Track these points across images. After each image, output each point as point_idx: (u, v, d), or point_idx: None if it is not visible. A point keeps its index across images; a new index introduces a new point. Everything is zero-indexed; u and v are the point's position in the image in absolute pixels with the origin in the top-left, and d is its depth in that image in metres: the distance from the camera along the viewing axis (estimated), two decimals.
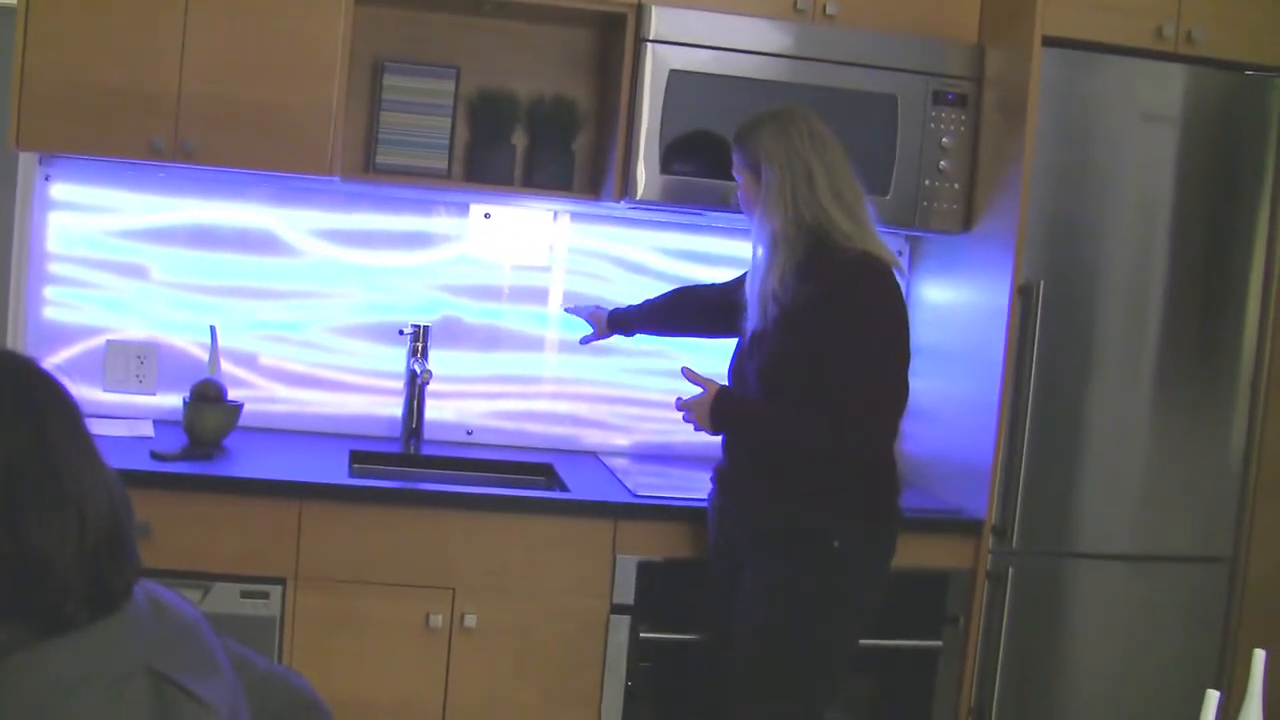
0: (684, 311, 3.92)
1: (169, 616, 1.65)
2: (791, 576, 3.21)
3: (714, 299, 3.77)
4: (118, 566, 1.56)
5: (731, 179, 3.56)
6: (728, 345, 3.53)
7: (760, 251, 3.30)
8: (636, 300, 4.01)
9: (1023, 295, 3.69)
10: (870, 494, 3.28)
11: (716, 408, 3.27)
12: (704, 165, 3.81)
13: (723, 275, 3.89)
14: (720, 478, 3.45)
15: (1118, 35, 3.74)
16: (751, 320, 3.31)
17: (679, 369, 3.41)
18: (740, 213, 3.41)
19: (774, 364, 3.23)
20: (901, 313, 3.21)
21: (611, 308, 4.03)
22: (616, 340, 4.16)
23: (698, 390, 3.31)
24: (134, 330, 4.10)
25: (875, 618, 3.33)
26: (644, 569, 3.61)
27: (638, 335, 4.04)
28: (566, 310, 4.15)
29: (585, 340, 4.07)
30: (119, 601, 1.56)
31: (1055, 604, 3.83)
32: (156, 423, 4.03)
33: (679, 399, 3.34)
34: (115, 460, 3.37)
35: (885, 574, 3.30)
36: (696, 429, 3.33)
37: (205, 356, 4.01)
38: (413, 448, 4.10)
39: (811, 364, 3.15)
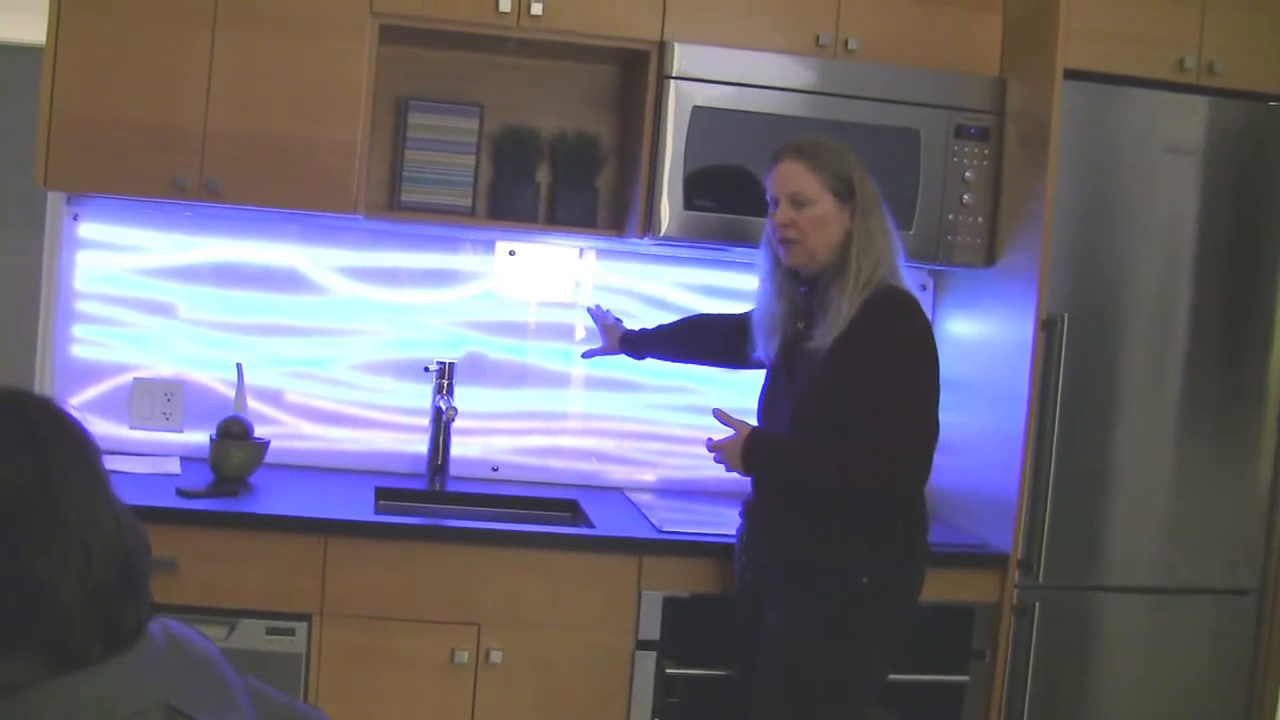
0: (699, 339, 3.93)
1: (187, 652, 1.65)
2: (819, 612, 3.19)
3: (730, 329, 3.78)
4: (128, 602, 1.56)
5: (757, 214, 3.56)
6: (756, 381, 3.52)
7: (804, 275, 3.30)
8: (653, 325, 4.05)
9: (1047, 329, 3.68)
10: (900, 530, 3.26)
11: (749, 449, 3.23)
12: (727, 201, 3.81)
13: (746, 310, 3.88)
14: (749, 513, 3.43)
15: (1139, 67, 3.74)
16: (776, 349, 3.34)
17: (705, 405, 3.40)
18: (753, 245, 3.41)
19: (809, 404, 3.22)
20: (933, 347, 3.19)
21: (628, 327, 4.06)
22: (642, 377, 4.17)
23: (729, 431, 3.29)
24: (161, 368, 4.13)
25: (901, 652, 3.31)
26: (669, 604, 3.60)
27: (648, 359, 4.04)
28: (590, 311, 4.15)
29: (589, 354, 4.11)
30: (132, 637, 1.56)
31: (1082, 638, 3.81)
32: (183, 460, 4.05)
33: (710, 440, 3.33)
34: (140, 497, 3.45)
35: (913, 610, 3.29)
36: (728, 470, 3.31)
37: (232, 394, 4.05)
38: (438, 484, 4.10)
39: (845, 403, 3.13)
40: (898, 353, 3.14)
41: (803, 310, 3.33)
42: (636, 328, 4.06)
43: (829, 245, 3.22)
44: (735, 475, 3.31)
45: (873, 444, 3.10)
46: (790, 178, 3.25)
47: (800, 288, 3.34)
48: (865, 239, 3.20)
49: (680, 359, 4.05)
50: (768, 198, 3.33)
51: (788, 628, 3.23)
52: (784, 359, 3.35)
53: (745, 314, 3.69)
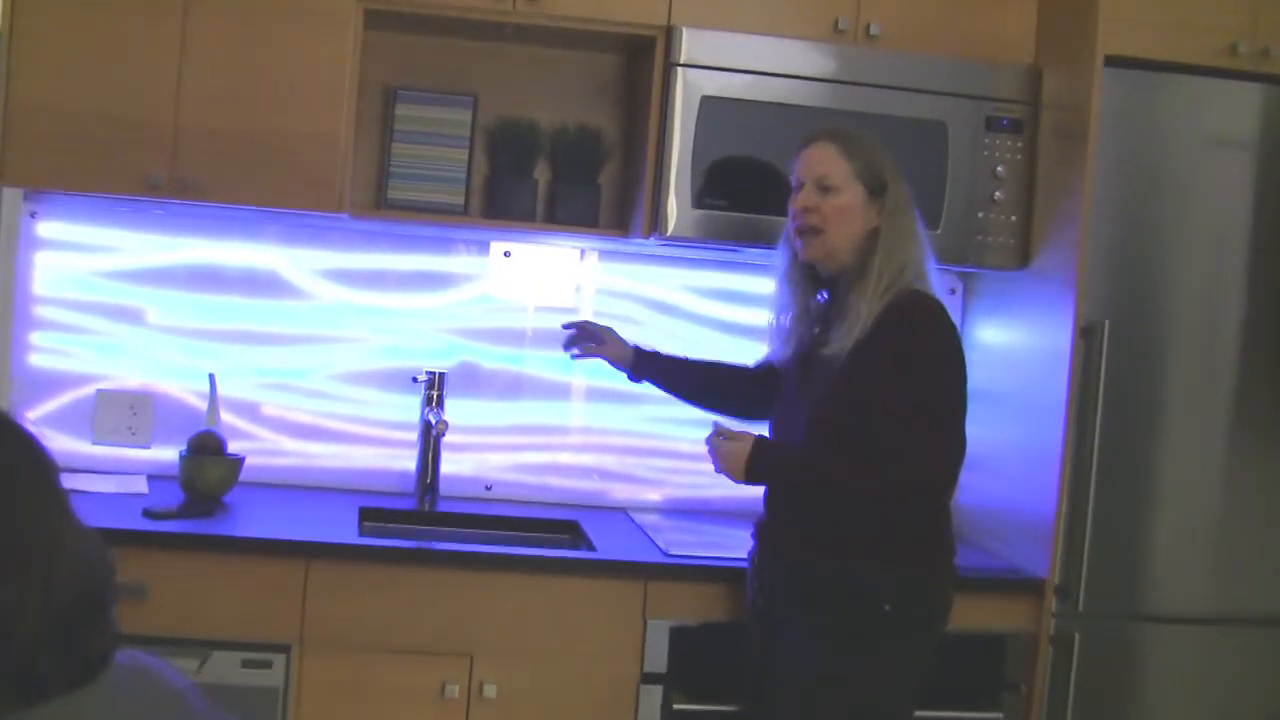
0: (712, 381, 3.77)
1: (156, 685, 1.65)
2: (839, 642, 3.16)
3: (747, 380, 3.69)
4: (92, 630, 1.57)
5: (771, 212, 3.54)
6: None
7: (825, 275, 3.28)
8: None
9: (1086, 336, 3.65)
10: (925, 552, 3.22)
11: (754, 456, 3.20)
12: (739, 198, 3.79)
13: (760, 315, 3.84)
14: (761, 534, 3.40)
15: (1187, 53, 3.71)
16: (791, 356, 3.34)
17: (710, 420, 3.35)
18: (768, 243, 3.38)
19: (826, 412, 3.18)
20: (959, 354, 3.17)
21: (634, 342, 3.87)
22: (647, 388, 4.13)
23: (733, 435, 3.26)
24: (127, 379, 4.11)
25: (929, 686, 3.27)
26: (677, 634, 3.57)
27: (644, 382, 3.84)
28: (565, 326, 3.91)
29: (579, 354, 3.86)
30: (97, 668, 1.56)
31: (1126, 671, 3.77)
32: (151, 478, 4.02)
33: (711, 437, 3.27)
34: (105, 519, 3.43)
35: (940, 639, 3.25)
36: (718, 470, 3.25)
37: (204, 406, 4.01)
38: (427, 504, 4.08)
39: (863, 412, 3.10)
40: (919, 359, 3.12)
41: (819, 315, 3.32)
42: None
43: (850, 239, 3.20)
44: (741, 484, 3.27)
45: (888, 455, 3.07)
46: (820, 161, 3.23)
47: (819, 293, 3.33)
48: (891, 240, 3.17)
49: (682, 395, 3.84)
50: (791, 181, 3.31)
51: (804, 657, 3.19)
52: (799, 367, 3.33)
53: (764, 368, 3.62)
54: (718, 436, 3.26)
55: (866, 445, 3.09)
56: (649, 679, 3.57)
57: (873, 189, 3.20)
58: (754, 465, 3.20)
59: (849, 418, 3.13)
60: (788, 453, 3.26)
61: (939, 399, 3.12)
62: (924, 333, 3.14)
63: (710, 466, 3.30)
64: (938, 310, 3.18)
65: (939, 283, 3.26)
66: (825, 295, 3.32)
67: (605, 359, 3.85)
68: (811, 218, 3.21)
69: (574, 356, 3.90)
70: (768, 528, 3.38)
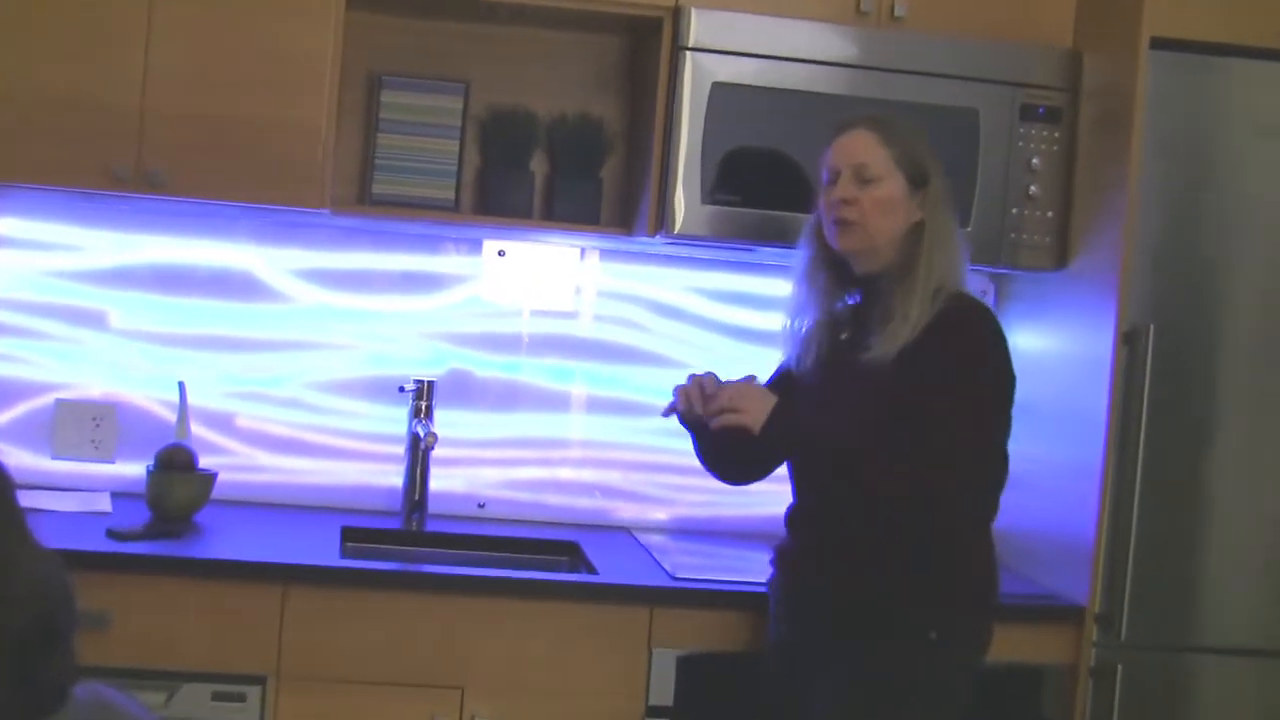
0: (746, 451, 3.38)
1: None
2: (875, 674, 3.11)
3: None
4: (49, 660, 1.55)
5: (786, 208, 3.51)
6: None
7: (863, 274, 3.23)
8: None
9: (1129, 342, 3.61)
10: (970, 575, 3.19)
11: (779, 409, 3.11)
12: (753, 193, 3.78)
13: (774, 320, 3.80)
14: (783, 559, 3.35)
15: (1240, 34, 3.66)
16: (811, 364, 3.29)
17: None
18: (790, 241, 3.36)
19: (862, 417, 3.11)
20: (1009, 369, 3.15)
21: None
22: (652, 398, 4.09)
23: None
24: (89, 388, 4.10)
25: None
26: (685, 664, 3.54)
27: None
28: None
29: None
30: (54, 702, 1.57)
31: (1172, 706, 3.72)
32: (115, 496, 4.00)
33: (717, 380, 3.18)
34: (65, 540, 3.41)
35: (978, 672, 3.21)
36: (713, 423, 3.13)
37: (173, 418, 4.00)
38: (415, 523, 4.07)
39: (904, 420, 3.03)
40: (967, 367, 3.09)
41: (847, 319, 3.27)
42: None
43: (891, 234, 3.15)
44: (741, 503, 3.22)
45: (910, 456, 3.00)
46: (859, 148, 3.18)
47: (848, 295, 3.28)
48: (938, 236, 3.14)
49: (704, 448, 3.52)
50: (822, 173, 3.25)
51: (835, 695, 3.14)
52: (824, 377, 3.28)
53: None
54: (730, 398, 3.14)
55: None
56: (654, 713, 3.54)
57: (914, 179, 3.16)
58: (776, 417, 3.10)
59: (886, 425, 3.06)
60: (810, 420, 3.17)
61: (977, 409, 3.09)
62: (978, 343, 3.13)
63: (723, 487, 3.27)
64: (990, 318, 3.18)
65: (972, 285, 3.24)
66: (855, 297, 3.27)
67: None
68: (850, 211, 3.15)
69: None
70: (791, 551, 3.34)
